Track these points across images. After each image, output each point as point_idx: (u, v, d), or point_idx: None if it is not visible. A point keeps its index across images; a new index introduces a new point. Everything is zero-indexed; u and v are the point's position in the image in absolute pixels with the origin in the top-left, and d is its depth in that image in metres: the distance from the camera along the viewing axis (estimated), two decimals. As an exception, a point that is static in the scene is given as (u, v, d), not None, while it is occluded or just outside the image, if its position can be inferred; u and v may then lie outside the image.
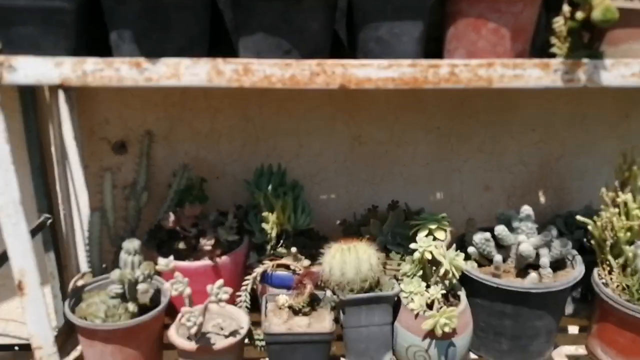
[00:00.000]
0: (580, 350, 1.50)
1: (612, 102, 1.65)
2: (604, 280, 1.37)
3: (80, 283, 1.43)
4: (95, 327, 1.25)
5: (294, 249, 1.43)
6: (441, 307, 1.31)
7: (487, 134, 1.66)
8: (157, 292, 1.40)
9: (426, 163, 1.68)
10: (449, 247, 1.42)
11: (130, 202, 1.48)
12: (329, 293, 1.36)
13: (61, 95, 1.51)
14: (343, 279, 1.33)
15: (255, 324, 1.41)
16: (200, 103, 1.59)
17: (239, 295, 1.43)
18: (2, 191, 1.12)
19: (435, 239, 1.38)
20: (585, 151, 1.69)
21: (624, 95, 1.64)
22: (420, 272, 1.37)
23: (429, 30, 1.12)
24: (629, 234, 1.34)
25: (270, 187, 1.49)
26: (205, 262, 1.41)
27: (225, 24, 1.29)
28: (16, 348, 1.77)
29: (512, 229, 1.41)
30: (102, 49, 1.08)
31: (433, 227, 1.40)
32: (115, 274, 1.29)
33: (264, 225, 1.48)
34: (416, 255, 1.35)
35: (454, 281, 1.37)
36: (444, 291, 1.34)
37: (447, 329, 1.26)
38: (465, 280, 1.38)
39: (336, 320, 1.35)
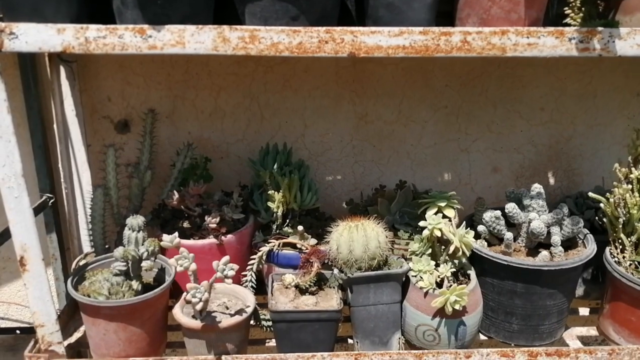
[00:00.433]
0: (592, 331, 1.47)
1: (623, 81, 1.62)
2: (616, 259, 1.34)
3: (82, 263, 1.41)
4: (99, 304, 1.23)
5: (300, 227, 1.40)
6: (451, 285, 1.29)
7: (495, 113, 1.63)
8: (162, 272, 1.38)
9: (434, 143, 1.65)
10: (457, 226, 1.39)
11: (134, 180, 1.45)
12: (336, 271, 1.33)
13: (62, 73, 1.48)
14: (351, 256, 1.30)
15: (261, 306, 1.39)
16: (204, 81, 1.56)
17: (245, 275, 1.41)
18: (4, 163, 1.10)
19: (444, 216, 1.35)
20: (595, 131, 1.66)
21: (634, 74, 1.61)
22: (429, 251, 1.35)
23: (439, 3, 1.09)
24: (642, 211, 1.32)
25: (275, 166, 1.46)
26: (210, 240, 1.39)
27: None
28: (18, 332, 1.75)
29: (522, 208, 1.38)
30: (105, 17, 1.06)
31: (442, 204, 1.37)
32: (118, 251, 1.27)
33: (269, 204, 1.45)
34: (425, 232, 1.32)
35: (464, 260, 1.34)
36: (453, 269, 1.32)
37: (457, 307, 1.24)
38: (475, 259, 1.36)
39: (344, 302, 1.33)
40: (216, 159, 1.62)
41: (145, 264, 1.27)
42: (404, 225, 1.46)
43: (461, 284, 1.31)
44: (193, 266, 1.20)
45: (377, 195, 1.53)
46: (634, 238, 1.33)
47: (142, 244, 1.27)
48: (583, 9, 1.12)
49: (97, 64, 1.52)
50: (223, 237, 1.39)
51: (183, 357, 1.28)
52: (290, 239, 1.42)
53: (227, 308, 1.32)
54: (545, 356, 1.31)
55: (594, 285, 1.52)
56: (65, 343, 1.32)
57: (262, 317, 1.38)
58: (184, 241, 1.36)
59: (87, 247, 1.58)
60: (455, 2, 1.12)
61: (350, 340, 1.42)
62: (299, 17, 1.03)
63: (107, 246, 1.51)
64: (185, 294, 1.25)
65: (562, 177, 1.70)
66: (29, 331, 1.75)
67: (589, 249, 1.35)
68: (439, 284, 1.31)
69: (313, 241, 1.42)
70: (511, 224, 1.39)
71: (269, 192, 1.44)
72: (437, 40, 1.05)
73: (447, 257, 1.33)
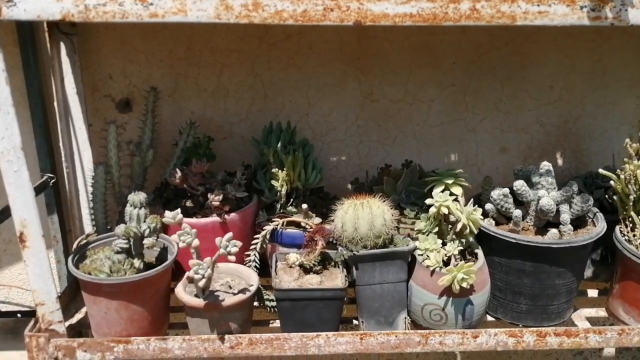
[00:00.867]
0: (601, 312, 1.45)
1: (633, 58, 1.59)
2: (626, 237, 1.32)
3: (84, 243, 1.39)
4: (100, 282, 1.21)
5: (304, 206, 1.38)
6: (458, 264, 1.26)
7: (503, 92, 1.60)
8: (164, 251, 1.36)
9: (440, 123, 1.62)
10: (465, 205, 1.37)
11: (136, 158, 1.43)
12: (341, 248, 1.31)
13: (63, 49, 1.46)
14: (356, 234, 1.28)
15: (265, 288, 1.37)
16: (207, 58, 1.53)
17: (248, 255, 1.39)
18: (2, 136, 1.07)
19: (451, 194, 1.33)
20: (604, 110, 1.63)
21: (645, 52, 1.59)
22: (436, 229, 1.33)
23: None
24: (654, 188, 1.29)
25: (279, 144, 1.44)
26: (213, 218, 1.37)
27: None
28: (19, 315, 1.74)
29: (531, 185, 1.36)
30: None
31: (449, 181, 1.35)
32: (120, 228, 1.24)
33: (273, 182, 1.43)
34: (432, 210, 1.30)
35: (471, 239, 1.32)
36: (460, 248, 1.30)
37: (464, 285, 1.22)
38: (483, 238, 1.34)
39: (350, 284, 1.30)
40: (219, 139, 1.59)
41: (147, 241, 1.25)
42: (410, 205, 1.43)
43: (468, 262, 1.29)
44: (196, 242, 1.18)
45: (382, 174, 1.50)
46: (645, 216, 1.30)
47: (144, 221, 1.25)
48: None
49: (98, 40, 1.50)
50: (226, 216, 1.37)
51: (186, 336, 1.26)
52: (295, 218, 1.39)
53: (230, 287, 1.30)
54: (554, 336, 1.29)
55: (603, 267, 1.49)
56: (67, 324, 1.30)
57: (266, 297, 1.36)
58: (187, 219, 1.34)
59: (88, 228, 1.56)
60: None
61: (355, 322, 1.40)
62: (303, -17, 1.00)
63: (109, 227, 1.49)
64: (187, 273, 1.23)
65: (571, 158, 1.67)
66: (30, 315, 1.73)
67: (599, 227, 1.32)
68: (446, 263, 1.28)
69: (317, 220, 1.40)
70: (519, 203, 1.37)
71: (273, 170, 1.42)
72: (445, 8, 1.02)
73: (454, 236, 1.30)
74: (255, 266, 1.38)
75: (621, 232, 1.33)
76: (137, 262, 1.26)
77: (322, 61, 1.55)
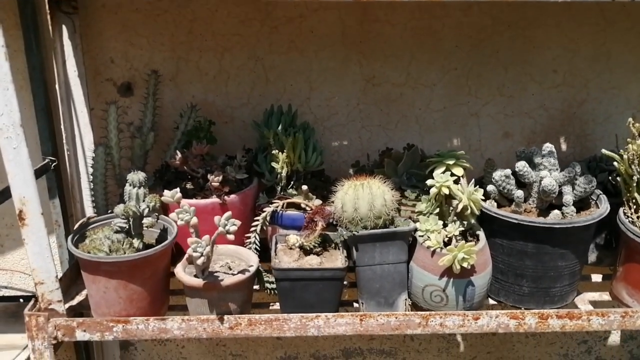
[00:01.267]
0: (605, 296, 1.43)
1: (637, 42, 1.57)
2: (630, 219, 1.30)
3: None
4: (99, 260, 1.20)
5: (305, 187, 1.37)
6: (458, 244, 1.25)
7: (506, 76, 1.59)
8: (164, 232, 1.35)
9: (443, 107, 1.61)
10: (466, 187, 1.36)
11: (136, 140, 1.43)
12: (340, 230, 1.30)
13: (65, 32, 1.46)
14: (356, 215, 1.27)
15: (266, 272, 1.36)
16: (208, 42, 1.53)
17: (248, 237, 1.38)
18: (1, 112, 1.08)
19: (452, 175, 1.31)
20: (609, 95, 1.62)
21: (650, 35, 1.57)
22: (437, 210, 1.32)
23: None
24: (657, 168, 1.27)
25: (280, 127, 1.43)
26: (213, 199, 1.36)
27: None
28: (21, 300, 1.74)
29: (533, 167, 1.34)
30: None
31: (450, 162, 1.34)
32: (119, 207, 1.24)
33: (273, 164, 1.42)
34: (433, 191, 1.29)
35: (472, 220, 1.31)
36: (462, 229, 1.28)
37: (465, 265, 1.21)
38: (484, 220, 1.32)
39: (351, 269, 1.30)
40: (221, 124, 1.59)
41: (146, 220, 1.25)
42: (412, 187, 1.42)
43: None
44: (194, 220, 1.18)
45: (384, 157, 1.49)
46: (649, 197, 1.29)
47: (143, 201, 1.25)
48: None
49: (100, 24, 1.50)
50: (226, 197, 1.37)
51: (185, 317, 1.25)
52: (295, 199, 1.39)
53: (230, 269, 1.30)
54: (557, 318, 1.27)
55: (607, 251, 1.48)
56: (67, 305, 1.31)
57: (265, 279, 1.36)
58: (187, 200, 1.34)
59: (90, 211, 1.56)
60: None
61: (355, 304, 1.39)
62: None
63: (109, 211, 1.49)
64: (187, 252, 1.23)
65: (575, 143, 1.66)
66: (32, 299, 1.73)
67: (602, 208, 1.31)
68: (447, 244, 1.27)
69: (318, 202, 1.39)
70: (522, 185, 1.35)
71: (273, 152, 1.41)
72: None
73: (455, 217, 1.29)
74: (256, 248, 1.37)
75: (625, 213, 1.32)
76: (136, 242, 1.26)
77: (323, 45, 1.55)
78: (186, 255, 1.26)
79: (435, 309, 1.28)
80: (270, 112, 1.48)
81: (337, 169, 1.64)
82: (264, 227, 1.39)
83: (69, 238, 1.27)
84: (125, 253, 1.24)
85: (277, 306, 1.35)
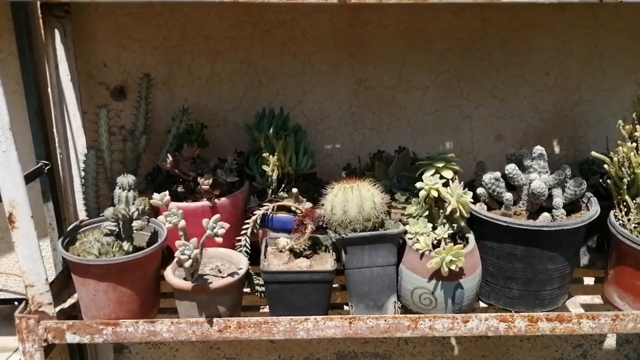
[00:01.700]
0: (597, 299, 1.43)
1: (631, 44, 1.57)
2: (621, 221, 1.30)
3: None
4: (88, 263, 1.21)
5: (294, 190, 1.37)
6: (447, 247, 1.25)
7: (499, 78, 1.59)
8: (154, 235, 1.36)
9: (435, 110, 1.61)
10: (457, 190, 1.36)
11: (128, 144, 1.43)
12: (330, 233, 1.30)
13: (57, 36, 1.47)
14: (345, 217, 1.27)
15: (257, 275, 1.36)
16: (200, 45, 1.54)
17: (239, 240, 1.38)
18: (-11, 115, 1.08)
19: (442, 178, 1.31)
20: (602, 97, 1.61)
21: (643, 38, 1.57)
22: (427, 213, 1.32)
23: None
24: (647, 171, 1.27)
25: (271, 130, 1.43)
26: (204, 203, 1.37)
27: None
28: (15, 303, 1.75)
29: (523, 169, 1.34)
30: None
31: (440, 165, 1.34)
32: (109, 210, 1.25)
33: (264, 167, 1.43)
34: (422, 193, 1.29)
35: (462, 223, 1.31)
36: (451, 232, 1.28)
37: (453, 267, 1.21)
38: (474, 222, 1.32)
39: (340, 271, 1.30)
40: (213, 127, 1.59)
41: (136, 223, 1.25)
42: (402, 190, 1.42)
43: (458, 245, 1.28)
44: (182, 223, 1.18)
45: (375, 159, 1.49)
46: (639, 199, 1.28)
47: (133, 204, 1.25)
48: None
49: (93, 28, 1.51)
50: (216, 200, 1.37)
51: (174, 319, 1.26)
52: (285, 202, 1.39)
53: (220, 271, 1.30)
54: (547, 321, 1.27)
55: (600, 254, 1.47)
56: (58, 309, 1.31)
57: (256, 282, 1.36)
58: (177, 203, 1.34)
59: (83, 214, 1.56)
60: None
61: (346, 307, 1.39)
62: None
63: (101, 215, 1.50)
64: (175, 254, 1.23)
65: (568, 146, 1.66)
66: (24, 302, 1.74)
67: (593, 210, 1.31)
68: (436, 247, 1.27)
69: (308, 204, 1.39)
70: (512, 188, 1.35)
71: (264, 155, 1.42)
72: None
73: (444, 220, 1.29)
74: (246, 251, 1.37)
75: (615, 216, 1.32)
76: (126, 245, 1.26)
77: (316, 48, 1.55)
78: (176, 258, 1.26)
79: (424, 312, 1.28)
80: (262, 115, 1.49)
81: (330, 172, 1.64)
82: (255, 230, 1.40)
83: (60, 241, 1.28)
84: (114, 256, 1.24)
85: (267, 309, 1.35)
